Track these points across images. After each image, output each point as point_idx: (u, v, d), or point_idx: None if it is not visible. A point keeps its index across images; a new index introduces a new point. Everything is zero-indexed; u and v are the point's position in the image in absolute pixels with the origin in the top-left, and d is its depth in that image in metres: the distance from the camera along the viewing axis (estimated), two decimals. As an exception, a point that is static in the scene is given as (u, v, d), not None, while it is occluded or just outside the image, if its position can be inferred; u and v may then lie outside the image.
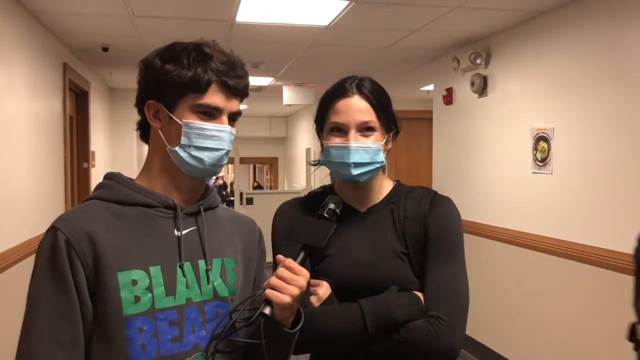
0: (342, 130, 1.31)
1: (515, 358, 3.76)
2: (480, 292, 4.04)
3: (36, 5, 3.23)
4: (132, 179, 1.14)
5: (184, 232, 1.10)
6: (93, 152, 5.21)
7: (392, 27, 3.74)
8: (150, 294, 1.04)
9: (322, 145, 1.40)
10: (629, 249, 2.73)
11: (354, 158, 1.29)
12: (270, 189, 12.86)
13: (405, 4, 3.18)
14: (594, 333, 3.00)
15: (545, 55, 3.38)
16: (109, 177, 1.14)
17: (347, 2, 3.14)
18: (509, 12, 3.37)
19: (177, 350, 1.05)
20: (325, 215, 1.23)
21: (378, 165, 1.33)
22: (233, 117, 1.13)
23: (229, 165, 16.00)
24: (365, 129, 1.31)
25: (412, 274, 1.30)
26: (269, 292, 1.04)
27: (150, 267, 1.05)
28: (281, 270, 1.06)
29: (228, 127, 1.10)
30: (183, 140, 1.07)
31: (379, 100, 1.35)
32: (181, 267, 1.08)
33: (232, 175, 11.44)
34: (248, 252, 1.22)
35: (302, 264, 1.10)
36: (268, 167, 13.65)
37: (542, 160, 3.39)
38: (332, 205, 1.24)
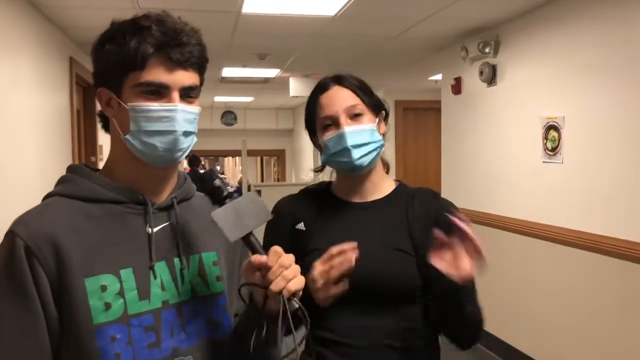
0: (333, 122, 1.32)
1: (528, 350, 3.74)
2: (490, 283, 4.02)
3: (42, -1, 3.22)
4: (97, 171, 1.04)
5: (156, 229, 1.01)
6: (101, 146, 5.22)
7: (399, 17, 3.70)
8: (121, 300, 0.95)
9: (319, 148, 1.40)
10: (642, 238, 2.70)
11: (351, 140, 1.29)
12: (278, 181, 12.86)
13: (412, -8, 3.14)
14: (606, 322, 2.97)
15: (554, 43, 3.34)
16: (71, 169, 1.05)
17: (354, -8, 3.11)
18: (512, 0, 3.32)
19: (155, 356, 0.97)
20: (230, 192, 1.11)
21: (377, 145, 1.32)
22: (188, 93, 0.99)
23: (236, 157, 15.98)
24: (354, 115, 1.32)
25: (416, 271, 1.28)
26: (291, 285, 0.96)
27: (121, 270, 0.96)
28: (284, 259, 0.97)
29: (178, 105, 0.97)
30: (132, 126, 0.97)
31: (360, 85, 1.37)
32: (151, 268, 0.99)
33: (240, 167, 11.46)
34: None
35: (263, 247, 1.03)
36: (275, 159, 13.64)
37: (553, 150, 3.35)
38: (218, 182, 1.13)
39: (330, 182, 1.45)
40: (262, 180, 16.04)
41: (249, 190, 7.99)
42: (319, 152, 1.42)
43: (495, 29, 3.92)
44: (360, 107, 1.33)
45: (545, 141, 3.42)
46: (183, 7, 3.35)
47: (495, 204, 3.99)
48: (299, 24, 3.87)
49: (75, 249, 0.94)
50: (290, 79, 6.14)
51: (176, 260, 1.03)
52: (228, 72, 5.86)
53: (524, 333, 3.76)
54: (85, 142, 4.89)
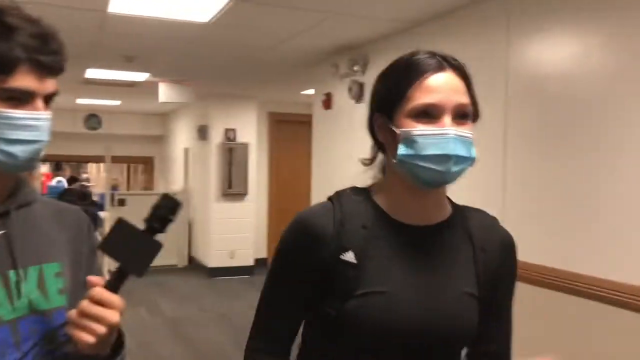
0: (433, 114, 0.97)
1: None
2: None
3: None
4: None
5: None
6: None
7: (273, 29, 3.75)
8: None
9: (376, 139, 1.09)
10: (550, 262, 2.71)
11: (457, 149, 0.96)
12: (146, 189, 12.33)
13: (286, 6, 3.20)
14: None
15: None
16: None
17: (227, 0, 3.10)
18: (383, 21, 3.51)
19: None
20: (155, 225, 0.91)
21: (471, 163, 1.00)
22: (49, 100, 0.94)
23: (100, 164, 15.05)
24: (460, 116, 0.99)
25: (477, 316, 1.03)
26: (69, 329, 0.87)
27: None
28: (86, 306, 0.86)
29: (44, 114, 0.91)
30: None
31: (471, 81, 1.04)
32: None
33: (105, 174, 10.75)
34: (76, 250, 1.05)
35: (118, 288, 0.89)
36: (143, 167, 13.08)
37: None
38: (163, 212, 0.92)
39: (368, 190, 1.09)
40: (128, 189, 15.28)
41: (112, 199, 7.56)
42: (375, 143, 1.11)
43: (364, 48, 4.12)
44: (469, 109, 1.00)
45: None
46: (48, 2, 3.12)
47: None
48: (169, 28, 3.77)
49: None
50: (160, 84, 5.94)
51: (12, 272, 0.93)
52: (93, 73, 5.54)
53: None
54: None
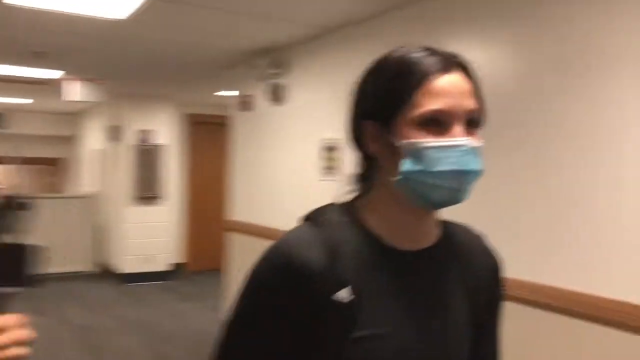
0: (440, 122, 0.83)
1: None
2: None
3: None
4: None
5: None
6: None
7: (192, 29, 3.68)
8: None
9: (363, 150, 0.93)
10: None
11: (472, 164, 0.83)
12: (54, 192, 11.69)
13: (204, 6, 3.16)
14: None
15: (332, 69, 3.64)
16: None
17: (144, -3, 3.02)
18: (302, 25, 3.54)
19: None
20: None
21: (479, 178, 0.87)
22: None
23: (11, 165, 14.08)
24: (470, 123, 0.86)
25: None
26: None
27: None
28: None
29: None
30: None
31: (477, 80, 0.90)
32: None
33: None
34: None
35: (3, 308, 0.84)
36: (52, 169, 12.39)
37: (330, 169, 3.64)
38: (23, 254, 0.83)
39: (352, 208, 0.93)
40: (41, 191, 14.42)
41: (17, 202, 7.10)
42: (361, 151, 0.94)
43: (285, 51, 4.12)
44: (478, 114, 0.87)
45: (323, 160, 3.69)
46: None
47: (276, 220, 4.13)
48: (84, 24, 3.59)
49: None
50: (71, 82, 5.66)
51: None
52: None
53: None
54: None
